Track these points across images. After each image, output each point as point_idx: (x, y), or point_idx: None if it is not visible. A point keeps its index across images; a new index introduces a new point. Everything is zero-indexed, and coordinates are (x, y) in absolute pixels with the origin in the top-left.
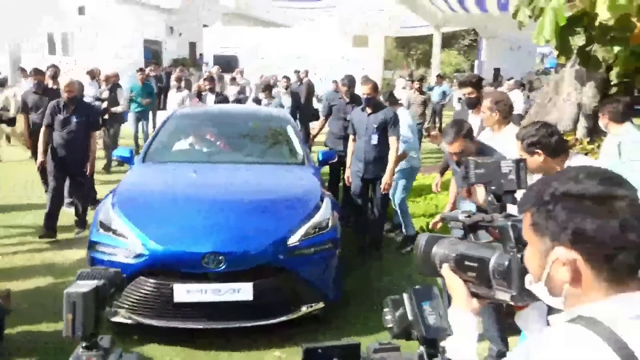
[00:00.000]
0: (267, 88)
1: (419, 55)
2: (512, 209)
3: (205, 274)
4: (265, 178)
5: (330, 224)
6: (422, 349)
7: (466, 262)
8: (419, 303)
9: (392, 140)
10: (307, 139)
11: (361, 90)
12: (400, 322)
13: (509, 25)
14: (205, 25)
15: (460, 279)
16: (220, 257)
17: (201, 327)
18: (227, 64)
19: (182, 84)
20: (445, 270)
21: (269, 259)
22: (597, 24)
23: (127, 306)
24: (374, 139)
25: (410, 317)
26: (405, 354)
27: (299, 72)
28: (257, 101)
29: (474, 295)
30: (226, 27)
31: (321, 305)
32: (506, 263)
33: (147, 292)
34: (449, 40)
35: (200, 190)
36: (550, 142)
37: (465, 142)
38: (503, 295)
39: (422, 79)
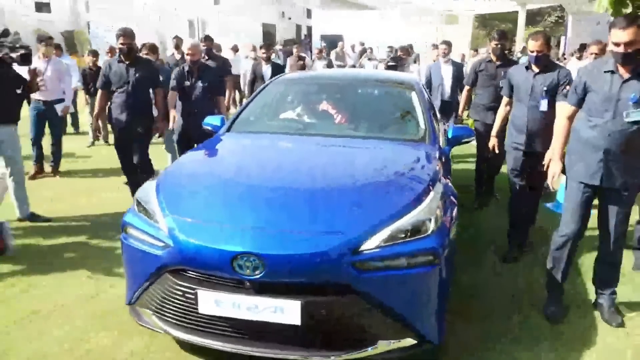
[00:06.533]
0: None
1: None
2: None
3: (243, 282)
4: (360, 157)
5: (431, 227)
6: None
7: None
8: None
9: (559, 106)
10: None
11: (530, 47)
12: None
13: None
14: (308, 10)
15: None
16: (256, 261)
17: (229, 350)
18: (334, 42)
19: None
20: None
21: (328, 271)
22: None
23: (153, 307)
24: (543, 105)
25: None
26: None
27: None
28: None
29: None
30: (331, 11)
31: (410, 342)
32: None
33: (171, 294)
34: (533, 18)
35: (266, 171)
36: None
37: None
38: None
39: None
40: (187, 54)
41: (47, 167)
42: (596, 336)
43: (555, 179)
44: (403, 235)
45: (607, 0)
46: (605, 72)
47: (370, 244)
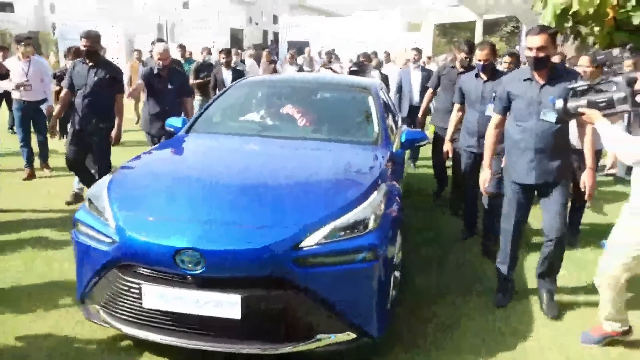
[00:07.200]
0: None
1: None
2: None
3: (186, 277)
4: (309, 158)
5: (371, 225)
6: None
7: (597, 101)
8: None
9: None
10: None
11: (477, 57)
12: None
13: None
14: (275, 16)
15: (595, 109)
16: (198, 257)
17: (172, 343)
18: (300, 48)
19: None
20: (583, 109)
21: (268, 266)
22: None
23: (101, 302)
24: (490, 110)
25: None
26: None
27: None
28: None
29: (604, 115)
30: (298, 17)
31: (349, 336)
32: (624, 94)
33: (117, 289)
34: (491, 28)
35: (216, 170)
36: None
37: (550, 41)
38: (623, 108)
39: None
40: (158, 59)
41: (36, 164)
42: (540, 324)
43: (486, 185)
44: (343, 233)
45: (550, 15)
46: (524, 80)
47: (311, 241)
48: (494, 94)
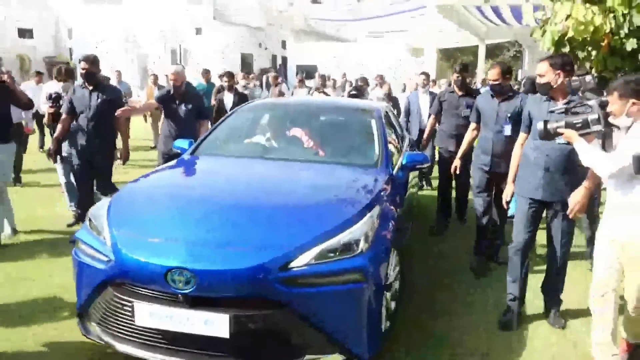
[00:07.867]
0: None
1: None
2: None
3: (177, 295)
4: (306, 181)
5: (361, 247)
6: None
7: (574, 122)
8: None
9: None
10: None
11: (488, 77)
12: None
13: None
14: (283, 41)
15: (573, 130)
16: (188, 276)
17: None
18: (309, 72)
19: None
20: (562, 129)
21: (257, 286)
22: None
23: (97, 319)
24: (507, 130)
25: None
26: None
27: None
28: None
29: (580, 135)
30: (306, 43)
31: (338, 357)
32: (597, 115)
33: (111, 306)
34: (493, 52)
35: (213, 190)
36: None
37: (549, 69)
38: (597, 128)
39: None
40: (170, 79)
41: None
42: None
43: (508, 199)
44: (333, 254)
45: (549, 41)
46: (544, 101)
47: (300, 261)
48: (508, 115)
